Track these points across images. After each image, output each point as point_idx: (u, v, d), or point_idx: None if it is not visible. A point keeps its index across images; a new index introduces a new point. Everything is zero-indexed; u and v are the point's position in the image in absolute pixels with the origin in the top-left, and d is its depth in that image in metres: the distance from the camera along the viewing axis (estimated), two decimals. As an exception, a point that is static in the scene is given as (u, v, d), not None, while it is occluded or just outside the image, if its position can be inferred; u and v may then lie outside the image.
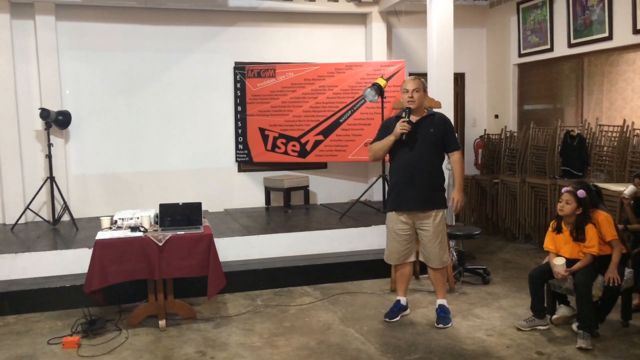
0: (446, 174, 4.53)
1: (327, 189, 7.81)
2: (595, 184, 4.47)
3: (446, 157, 4.32)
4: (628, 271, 4.11)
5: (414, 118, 4.16)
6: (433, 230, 4.19)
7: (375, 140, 4.32)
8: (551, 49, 7.06)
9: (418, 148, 4.14)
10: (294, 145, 7.32)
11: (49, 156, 6.38)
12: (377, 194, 7.33)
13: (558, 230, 4.14)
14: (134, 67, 7.09)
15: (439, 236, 4.22)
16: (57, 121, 6.51)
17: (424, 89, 4.20)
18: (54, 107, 6.58)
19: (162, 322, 4.31)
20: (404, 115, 4.12)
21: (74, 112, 6.75)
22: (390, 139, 4.14)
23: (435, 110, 4.47)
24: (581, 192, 4.01)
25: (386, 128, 4.27)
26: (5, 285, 4.81)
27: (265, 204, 7.50)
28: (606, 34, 6.16)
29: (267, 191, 7.46)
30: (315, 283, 5.33)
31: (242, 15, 7.39)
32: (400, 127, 4.04)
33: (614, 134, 6.01)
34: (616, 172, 5.82)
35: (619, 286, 3.91)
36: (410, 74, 7.72)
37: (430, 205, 4.19)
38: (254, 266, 5.34)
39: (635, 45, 5.93)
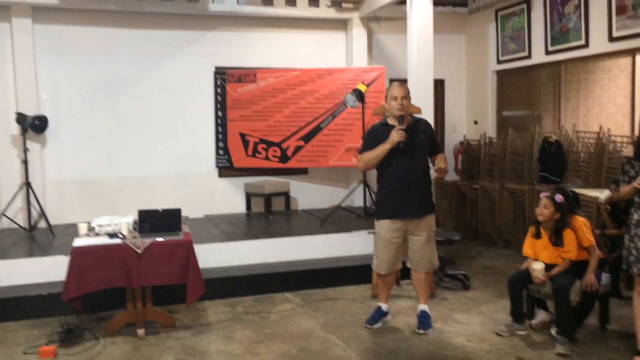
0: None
1: (308, 195, 7.80)
2: (573, 189, 4.52)
3: (429, 161, 4.35)
4: (605, 276, 4.17)
5: (404, 124, 4.17)
6: (427, 235, 4.23)
7: (363, 150, 4.28)
8: (529, 56, 7.15)
9: (412, 154, 4.16)
10: (274, 151, 7.30)
11: (25, 161, 6.27)
12: (358, 200, 7.34)
13: (537, 235, 4.18)
14: (113, 71, 7.00)
15: (431, 240, 4.27)
16: (33, 126, 6.40)
17: (409, 95, 4.22)
18: (30, 112, 6.46)
19: (140, 331, 4.25)
20: (398, 122, 4.11)
21: (51, 117, 6.64)
22: (385, 148, 4.11)
23: (416, 116, 4.49)
24: (559, 197, 4.06)
25: (374, 137, 4.24)
26: (-21, 293, 4.71)
27: (246, 210, 7.46)
28: (582, 42, 6.26)
29: (248, 197, 7.42)
30: (296, 289, 5.31)
31: (223, 20, 7.36)
32: (398, 136, 4.04)
33: (591, 141, 6.11)
34: (593, 177, 5.91)
35: (596, 291, 3.96)
36: (390, 80, 7.78)
37: (424, 211, 4.23)
38: (234, 272, 5.30)
39: (611, 53, 6.03)
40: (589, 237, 4.04)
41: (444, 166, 4.19)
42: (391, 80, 7.91)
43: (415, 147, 4.17)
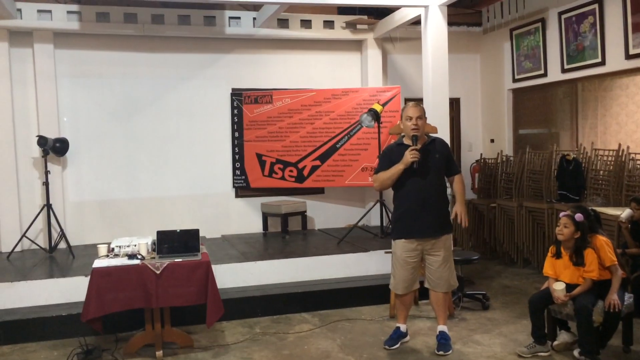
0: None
1: (324, 214, 7.80)
2: (593, 208, 4.47)
3: (446, 181, 4.34)
4: (628, 296, 4.10)
5: (418, 144, 4.16)
6: (444, 255, 4.20)
7: (378, 170, 4.29)
8: (545, 74, 7.14)
9: (428, 174, 4.15)
10: (291, 171, 7.33)
11: (46, 183, 6.36)
12: (374, 219, 7.32)
13: (557, 255, 4.13)
14: (132, 94, 7.12)
15: (448, 260, 4.22)
16: (54, 148, 6.51)
17: (424, 115, 4.23)
18: (51, 135, 6.58)
19: (159, 352, 4.25)
20: (412, 142, 4.11)
21: (72, 139, 6.75)
22: (399, 168, 4.11)
23: (432, 135, 4.49)
24: (579, 216, 4.02)
25: (389, 157, 4.25)
26: (0, 314, 4.75)
27: (263, 230, 7.47)
28: (599, 60, 6.24)
29: (265, 217, 7.44)
30: (314, 310, 5.29)
31: (239, 43, 7.47)
32: (411, 156, 4.04)
33: (610, 158, 6.05)
34: (613, 196, 5.84)
35: (619, 311, 3.89)
36: (406, 100, 7.82)
37: (440, 230, 4.20)
38: (251, 293, 5.29)
39: (628, 70, 6.00)
40: (611, 257, 3.98)
41: (460, 210, 4.23)
42: (406, 100, 7.99)
43: (430, 167, 4.16)
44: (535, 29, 7.27)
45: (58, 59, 6.79)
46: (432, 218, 4.16)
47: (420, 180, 4.14)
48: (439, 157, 4.22)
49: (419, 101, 4.70)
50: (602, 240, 4.04)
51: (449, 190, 4.43)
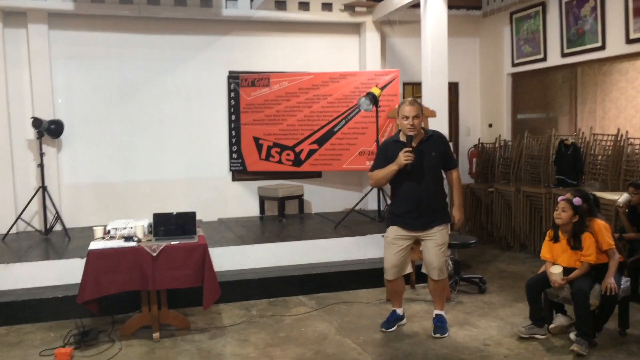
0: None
1: (321, 198, 7.78)
2: (593, 192, 4.47)
3: (443, 173, 4.30)
4: (625, 280, 4.11)
5: (414, 142, 4.10)
6: (436, 241, 4.17)
7: (374, 166, 4.25)
8: (544, 59, 7.09)
9: (422, 174, 4.10)
10: (288, 154, 7.30)
11: (41, 165, 6.32)
12: (372, 203, 7.31)
13: (555, 239, 4.13)
14: (127, 76, 7.05)
15: (440, 249, 4.20)
16: (49, 130, 6.45)
17: (422, 112, 4.17)
18: (46, 116, 6.53)
19: (156, 334, 4.25)
20: (407, 142, 4.05)
21: (67, 121, 6.70)
22: (393, 169, 4.07)
23: (429, 121, 4.44)
24: (577, 200, 4.01)
25: (384, 155, 4.19)
26: (-4, 296, 4.74)
27: (260, 213, 7.46)
28: (599, 44, 6.19)
29: (262, 200, 7.42)
30: (311, 293, 5.29)
31: (236, 25, 7.38)
32: (405, 158, 3.99)
33: (608, 143, 6.03)
34: (611, 180, 5.83)
35: (616, 295, 3.89)
36: (404, 84, 7.78)
37: (434, 224, 4.17)
38: (248, 276, 5.29)
39: (628, 55, 5.96)
40: (608, 241, 3.98)
41: (458, 217, 4.24)
42: (405, 84, 7.94)
43: (425, 167, 4.11)
44: (535, 12, 7.20)
45: (52, 39, 6.71)
46: (426, 216, 4.15)
47: (416, 181, 4.10)
48: (435, 155, 4.15)
49: (417, 85, 4.65)
50: (600, 224, 4.04)
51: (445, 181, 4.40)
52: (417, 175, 4.10)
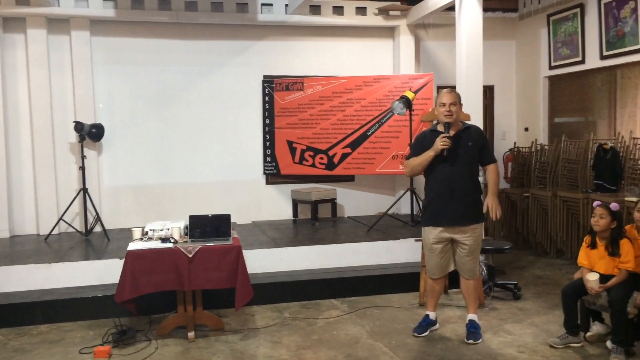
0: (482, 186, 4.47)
1: (354, 202, 7.79)
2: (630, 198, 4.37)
3: (480, 170, 4.27)
4: (665, 288, 4.00)
5: (451, 132, 4.12)
6: (471, 244, 4.15)
7: (410, 155, 4.27)
8: (582, 61, 6.95)
9: (458, 162, 4.09)
10: (321, 158, 7.34)
11: (82, 168, 6.52)
12: (405, 207, 7.28)
13: (592, 245, 4.05)
14: (165, 81, 7.21)
15: (475, 251, 4.18)
16: (90, 134, 6.65)
17: (460, 101, 4.17)
18: (87, 120, 6.73)
19: (191, 334, 4.33)
20: (444, 130, 4.07)
21: (107, 125, 6.90)
22: (429, 155, 4.07)
23: (467, 123, 4.42)
24: (614, 205, 3.94)
25: (421, 143, 4.21)
26: (39, 294, 4.91)
27: (293, 217, 7.51)
28: (639, 46, 6.05)
29: (295, 203, 7.47)
30: (343, 296, 5.31)
31: (270, 29, 7.48)
32: (441, 143, 4.00)
33: (649, 147, 5.88)
34: (651, 186, 5.69)
35: (655, 303, 3.80)
36: (438, 87, 7.73)
37: (469, 219, 4.14)
38: (281, 278, 5.34)
39: (670, 57, 5.81)
40: (647, 247, 3.89)
41: (492, 203, 4.13)
42: (439, 88, 7.89)
43: (460, 154, 4.09)
44: (573, 14, 7.07)
45: (94, 46, 6.91)
46: (460, 206, 4.10)
47: (450, 168, 4.09)
48: (472, 145, 4.14)
49: (453, 88, 4.63)
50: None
51: (481, 179, 4.37)
52: (453, 162, 4.08)
